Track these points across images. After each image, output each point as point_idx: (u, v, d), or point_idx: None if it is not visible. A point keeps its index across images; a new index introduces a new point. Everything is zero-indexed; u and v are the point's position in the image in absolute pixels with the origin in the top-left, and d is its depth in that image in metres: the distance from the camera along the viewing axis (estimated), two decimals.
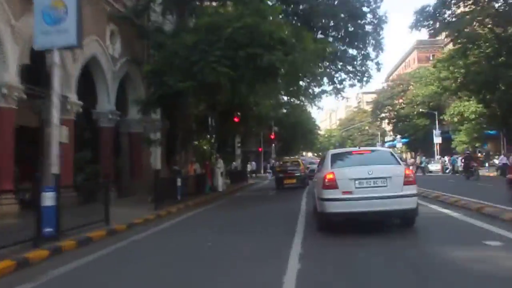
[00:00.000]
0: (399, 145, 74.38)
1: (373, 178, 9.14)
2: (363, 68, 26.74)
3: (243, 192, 25.37)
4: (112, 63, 18.81)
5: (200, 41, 15.93)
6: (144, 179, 20.04)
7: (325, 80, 28.61)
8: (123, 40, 19.61)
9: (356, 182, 9.14)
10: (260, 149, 53.91)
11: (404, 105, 65.54)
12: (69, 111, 15.59)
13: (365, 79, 27.24)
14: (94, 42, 17.28)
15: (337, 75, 28.16)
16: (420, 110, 59.67)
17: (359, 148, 13.90)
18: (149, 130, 22.06)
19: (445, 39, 70.88)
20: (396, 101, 67.55)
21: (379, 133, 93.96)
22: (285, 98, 60.37)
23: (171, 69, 16.06)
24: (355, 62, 27.02)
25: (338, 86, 28.53)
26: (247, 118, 26.94)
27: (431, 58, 71.47)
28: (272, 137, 53.63)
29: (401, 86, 66.02)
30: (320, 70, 28.20)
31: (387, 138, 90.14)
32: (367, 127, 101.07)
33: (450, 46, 66.36)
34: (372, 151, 12.78)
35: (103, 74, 18.26)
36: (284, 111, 63.27)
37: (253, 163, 49.01)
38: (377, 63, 26.69)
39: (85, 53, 16.58)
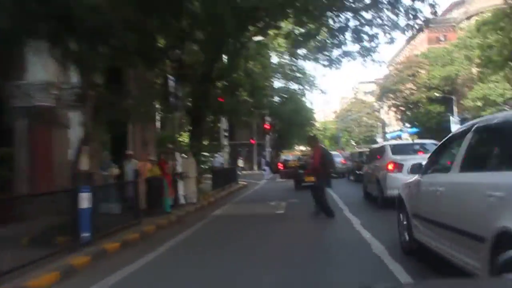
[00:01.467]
0: (405, 136, 64.98)
1: None
2: (411, 13, 17.04)
3: (230, 205, 15.23)
4: None
5: None
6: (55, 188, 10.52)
7: (348, 36, 19.17)
8: None
9: None
10: (252, 141, 44.37)
11: (415, 91, 56.29)
12: None
13: (416, 26, 17.62)
14: None
15: (366, 28, 18.63)
16: (436, 94, 50.48)
17: None
18: (67, 102, 12.53)
19: (458, 17, 62.17)
20: (404, 86, 58.13)
21: (378, 124, 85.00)
22: (280, 83, 51.11)
23: None
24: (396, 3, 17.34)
25: (369, 45, 19.03)
26: (235, 91, 17.57)
27: (442, 38, 62.59)
28: (268, 127, 44.23)
29: (411, 69, 56.56)
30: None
31: (390, 129, 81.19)
32: (365, 118, 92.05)
33: (465, 23, 57.71)
34: None
35: None
36: (277, 100, 53.93)
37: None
38: (432, 5, 17.04)
39: None
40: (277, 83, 49.92)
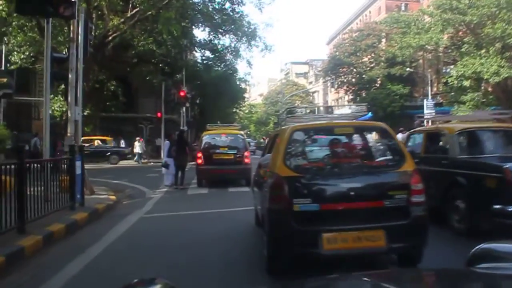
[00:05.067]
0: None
1: None
2: None
3: None
4: None
5: None
6: None
7: None
8: None
9: None
10: (159, 114, 28.54)
11: (373, 65, 43.17)
12: None
13: None
14: None
15: None
16: (408, 69, 37.50)
17: None
18: None
19: None
20: (359, 59, 44.62)
21: (315, 109, 71.52)
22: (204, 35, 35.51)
23: None
24: None
25: None
26: None
27: (403, 8, 49.87)
28: (183, 94, 28.80)
29: (370, 38, 43.16)
30: None
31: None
32: (298, 102, 78.80)
33: None
34: None
35: None
36: (199, 61, 38.60)
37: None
38: None
39: None
40: (201, 35, 34.57)
